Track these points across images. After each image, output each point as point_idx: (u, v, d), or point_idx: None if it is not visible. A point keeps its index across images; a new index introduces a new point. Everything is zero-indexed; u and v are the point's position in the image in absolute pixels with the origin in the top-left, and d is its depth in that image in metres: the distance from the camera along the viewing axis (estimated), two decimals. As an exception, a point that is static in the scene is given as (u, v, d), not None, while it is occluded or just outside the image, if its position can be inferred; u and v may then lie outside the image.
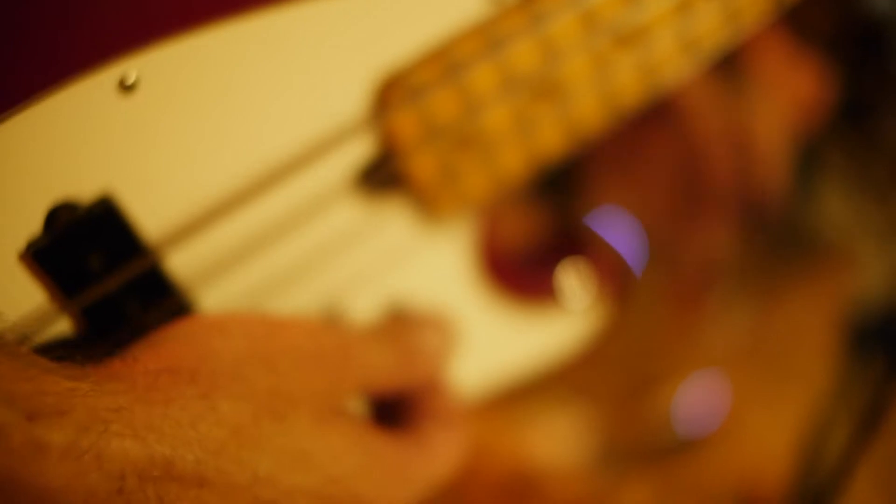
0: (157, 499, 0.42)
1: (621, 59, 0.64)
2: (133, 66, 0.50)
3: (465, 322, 0.68)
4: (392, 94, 0.57)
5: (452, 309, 0.68)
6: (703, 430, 1.54)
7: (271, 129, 0.55)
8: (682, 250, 1.63)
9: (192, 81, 0.52)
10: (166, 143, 0.52)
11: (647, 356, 1.60)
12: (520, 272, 0.74)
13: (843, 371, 1.39)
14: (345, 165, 0.59)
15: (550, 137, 0.64)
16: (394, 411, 0.59)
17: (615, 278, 0.77)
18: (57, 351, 0.46)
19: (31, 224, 0.50)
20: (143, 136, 0.52)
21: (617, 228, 1.54)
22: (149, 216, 0.53)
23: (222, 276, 0.57)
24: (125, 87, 0.50)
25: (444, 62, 0.58)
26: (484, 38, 0.59)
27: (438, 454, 0.57)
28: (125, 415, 0.42)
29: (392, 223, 0.62)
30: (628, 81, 0.65)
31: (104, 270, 0.52)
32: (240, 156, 0.55)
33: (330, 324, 0.56)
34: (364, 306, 0.65)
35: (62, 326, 0.53)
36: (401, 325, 0.59)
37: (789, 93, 1.49)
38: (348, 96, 0.57)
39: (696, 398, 1.54)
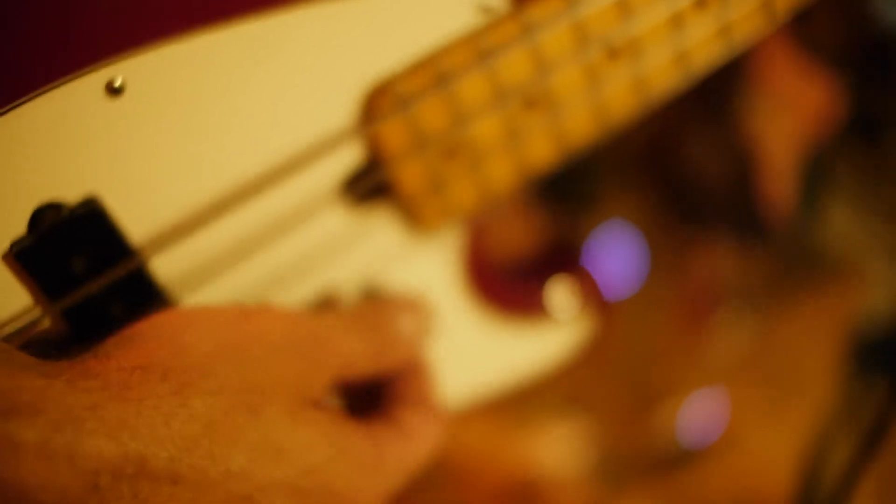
0: (131, 496, 0.43)
1: (613, 71, 0.63)
2: (121, 70, 0.50)
3: (452, 333, 0.68)
4: (379, 103, 0.58)
5: (439, 320, 0.68)
6: (705, 443, 1.53)
7: (258, 135, 0.55)
8: (688, 265, 1.63)
9: (180, 86, 0.52)
10: (153, 146, 0.53)
11: (652, 370, 1.59)
12: (508, 284, 0.74)
13: (847, 387, 1.38)
14: (331, 174, 0.59)
15: (540, 149, 0.64)
16: (371, 398, 0.59)
17: (603, 293, 0.76)
18: (34, 346, 0.47)
19: (15, 224, 0.50)
20: (130, 139, 0.52)
21: (620, 242, 1.54)
22: (134, 219, 0.54)
23: (207, 280, 0.57)
24: (112, 90, 0.50)
25: (432, 71, 0.58)
26: (474, 47, 0.59)
27: (416, 441, 0.56)
28: (99, 413, 0.42)
29: (378, 233, 0.62)
30: (619, 94, 0.65)
31: (88, 272, 0.53)
32: (226, 162, 0.55)
33: (303, 310, 0.55)
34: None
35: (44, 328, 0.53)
36: (376, 308, 0.58)
37: (800, 107, 1.48)
38: (336, 105, 0.57)
39: (700, 412, 1.54)
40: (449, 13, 0.59)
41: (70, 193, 0.51)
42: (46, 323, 0.52)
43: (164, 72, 0.52)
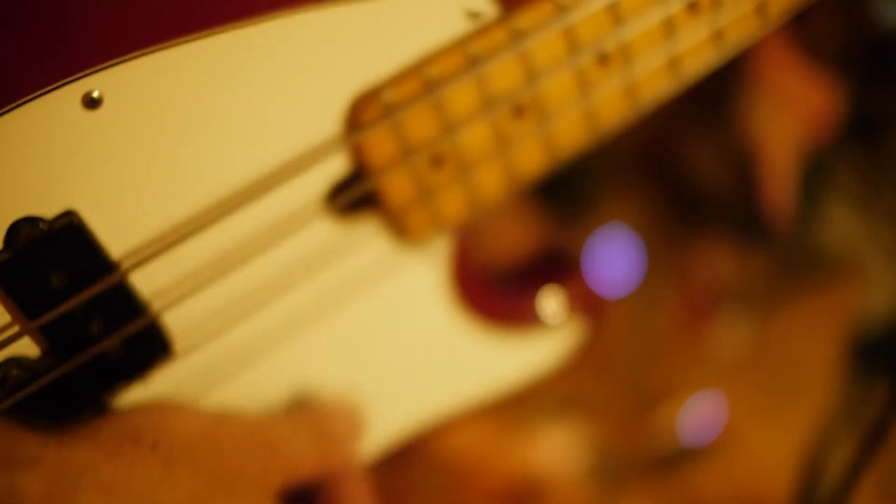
0: None
1: (603, 77, 0.62)
2: (98, 82, 0.49)
3: (441, 343, 0.67)
4: (365, 112, 0.56)
5: (426, 330, 0.66)
6: (704, 443, 1.52)
7: (241, 146, 0.54)
8: (688, 266, 1.61)
9: (160, 97, 0.51)
10: (133, 159, 0.51)
11: (651, 371, 1.58)
12: (497, 294, 0.72)
13: (847, 387, 1.37)
14: (316, 185, 0.57)
15: (530, 157, 0.63)
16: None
17: (597, 298, 0.75)
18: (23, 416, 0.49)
19: (-9, 239, 0.48)
20: (109, 151, 0.50)
21: (618, 243, 1.53)
22: (114, 233, 0.52)
23: (190, 295, 0.56)
24: (90, 103, 0.49)
25: (420, 79, 0.57)
26: (462, 55, 0.58)
27: None
28: (92, 472, 0.45)
29: (365, 244, 0.61)
30: (611, 100, 0.63)
31: (67, 288, 0.51)
32: (208, 173, 0.53)
33: (265, 416, 0.61)
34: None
35: (24, 346, 0.52)
36: (315, 414, 0.62)
37: (799, 108, 1.47)
38: (321, 114, 0.56)
39: (699, 412, 1.53)
40: (436, 20, 0.57)
41: (48, 207, 0.50)
42: (24, 340, 0.51)
43: (144, 83, 0.50)
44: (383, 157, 0.57)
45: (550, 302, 0.74)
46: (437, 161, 0.59)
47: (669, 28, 0.62)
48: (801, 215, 1.56)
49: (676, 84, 0.65)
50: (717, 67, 0.68)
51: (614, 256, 1.53)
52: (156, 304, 0.55)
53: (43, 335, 0.52)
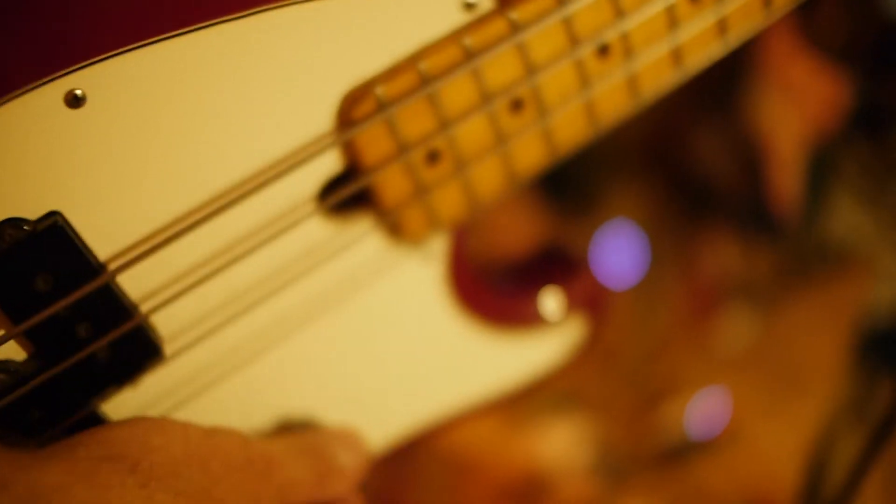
0: None
1: (604, 70, 0.60)
2: (82, 80, 0.47)
3: (440, 344, 0.65)
4: (357, 108, 0.54)
5: (424, 330, 0.64)
6: (709, 439, 1.50)
7: (230, 143, 0.52)
8: (694, 259, 1.60)
9: (145, 95, 0.49)
10: (118, 158, 0.49)
11: (656, 366, 1.56)
12: (496, 294, 0.70)
13: (854, 382, 1.35)
14: (309, 182, 0.55)
15: (529, 152, 0.61)
16: None
17: (597, 298, 0.73)
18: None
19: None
20: (94, 151, 0.48)
21: (623, 237, 1.51)
22: (101, 234, 0.50)
23: (180, 296, 0.54)
24: (73, 101, 0.47)
25: (414, 73, 0.55)
26: (458, 47, 0.55)
27: None
28: (64, 494, 0.42)
29: (359, 243, 0.59)
30: (611, 93, 0.61)
31: (53, 291, 0.49)
32: (196, 172, 0.51)
33: (260, 437, 0.58)
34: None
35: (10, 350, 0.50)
36: (320, 440, 0.59)
37: (806, 100, 1.45)
38: (313, 110, 0.54)
39: (703, 407, 1.51)
40: (432, 12, 0.55)
41: (32, 209, 0.48)
42: (10, 344, 0.49)
43: (128, 80, 0.48)
44: (377, 153, 0.55)
45: (551, 301, 0.72)
46: (433, 157, 0.57)
47: (671, 18, 0.60)
48: (807, 209, 1.54)
49: (679, 76, 0.63)
50: (721, 58, 0.66)
51: (618, 251, 1.51)
52: (144, 307, 0.53)
53: (29, 339, 0.50)
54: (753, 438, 1.50)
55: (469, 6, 0.55)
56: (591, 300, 0.73)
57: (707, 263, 1.61)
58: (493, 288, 0.69)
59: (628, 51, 0.60)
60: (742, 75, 1.46)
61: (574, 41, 0.58)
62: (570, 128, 0.61)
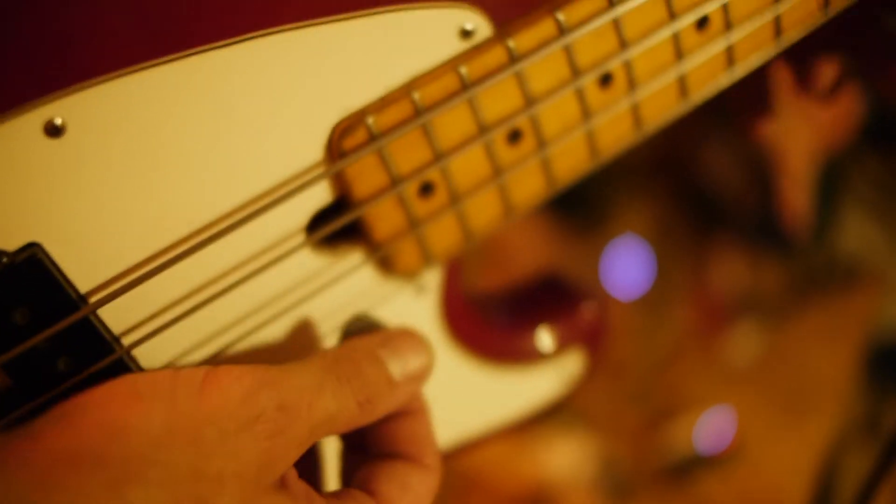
0: None
1: (607, 100, 0.57)
2: (61, 108, 0.45)
3: (434, 380, 0.62)
4: (347, 138, 0.51)
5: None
6: (715, 455, 1.48)
7: (216, 175, 0.50)
8: (703, 275, 1.57)
9: (127, 124, 0.46)
10: (99, 189, 0.47)
11: (664, 382, 1.54)
12: (491, 329, 0.67)
13: (864, 398, 1.32)
14: (297, 214, 0.53)
15: (527, 184, 0.58)
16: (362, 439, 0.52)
17: (595, 334, 0.70)
18: None
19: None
20: (74, 181, 0.46)
21: (630, 255, 1.49)
22: (81, 267, 0.48)
23: (162, 330, 0.51)
24: (52, 130, 0.45)
25: (408, 103, 0.52)
26: (454, 77, 0.53)
27: None
28: None
29: (350, 276, 0.56)
30: (614, 124, 0.58)
31: (31, 325, 0.47)
32: (180, 204, 0.49)
33: (266, 372, 0.45)
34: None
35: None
36: (354, 354, 0.49)
37: (817, 115, 1.43)
38: (301, 142, 0.51)
39: (711, 424, 1.49)
40: (427, 39, 0.52)
41: (9, 240, 0.46)
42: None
43: (110, 109, 0.46)
44: (368, 185, 0.53)
45: (547, 338, 0.69)
46: (427, 189, 0.55)
47: (677, 47, 0.57)
48: (817, 223, 1.51)
49: (684, 106, 0.60)
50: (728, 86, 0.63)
51: (626, 265, 1.49)
52: (126, 340, 0.50)
53: (6, 373, 0.48)
54: (760, 454, 1.48)
55: (466, 34, 0.53)
56: (588, 335, 0.70)
57: (715, 278, 1.59)
58: (488, 322, 0.67)
59: (632, 80, 0.57)
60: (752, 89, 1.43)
61: (575, 70, 0.55)
62: (569, 159, 0.58)
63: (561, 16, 0.53)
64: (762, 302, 1.57)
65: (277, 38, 0.48)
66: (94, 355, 0.50)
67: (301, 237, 0.53)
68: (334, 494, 0.48)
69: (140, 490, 0.39)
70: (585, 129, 0.57)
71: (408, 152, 0.53)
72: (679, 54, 0.57)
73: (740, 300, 1.57)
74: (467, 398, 0.67)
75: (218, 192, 0.50)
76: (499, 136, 0.55)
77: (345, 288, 0.56)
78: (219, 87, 0.48)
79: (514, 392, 0.68)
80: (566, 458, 1.46)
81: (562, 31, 0.53)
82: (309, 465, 0.55)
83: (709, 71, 0.60)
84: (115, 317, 0.50)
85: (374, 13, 0.49)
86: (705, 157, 1.51)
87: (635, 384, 1.51)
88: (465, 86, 0.53)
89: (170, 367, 0.51)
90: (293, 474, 0.46)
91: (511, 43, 0.53)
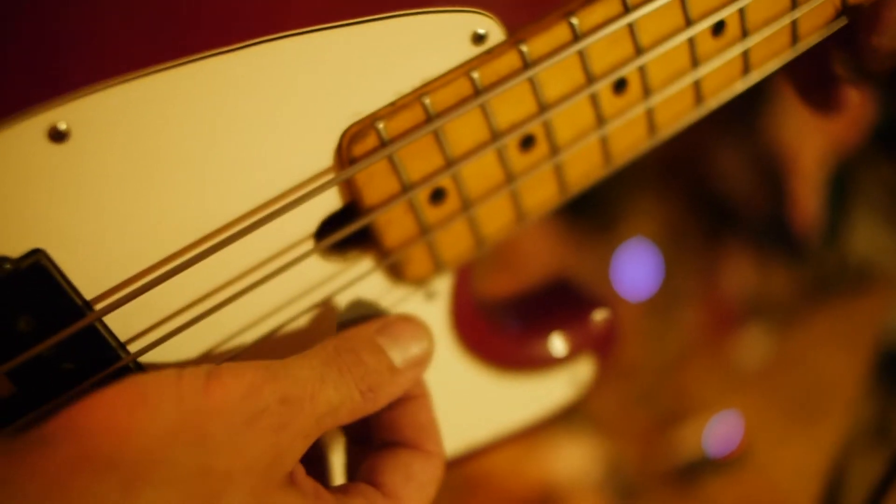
0: None
1: (621, 105, 0.55)
2: (65, 113, 0.43)
3: (444, 387, 0.61)
4: (359, 145, 0.50)
5: (428, 373, 0.60)
6: (723, 458, 1.47)
7: (224, 180, 0.48)
8: (713, 278, 1.56)
9: (133, 129, 0.45)
10: (106, 195, 0.46)
11: (672, 385, 1.53)
12: (502, 337, 0.66)
13: (874, 403, 1.31)
14: (306, 220, 0.52)
15: (539, 190, 0.57)
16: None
17: (606, 340, 0.68)
18: None
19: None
20: (78, 187, 0.45)
21: (641, 258, 1.47)
22: (86, 273, 0.47)
23: (169, 337, 0.50)
24: (56, 135, 0.43)
25: (420, 109, 0.51)
26: (467, 81, 0.51)
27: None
28: None
29: (359, 282, 0.55)
30: (628, 130, 0.57)
31: (36, 332, 0.46)
32: (187, 210, 0.48)
33: (269, 367, 0.45)
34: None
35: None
36: (353, 343, 0.49)
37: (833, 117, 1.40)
38: (311, 147, 0.50)
39: (718, 428, 1.47)
40: (439, 43, 0.51)
41: (13, 247, 0.44)
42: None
43: (115, 114, 0.45)
44: (378, 192, 0.52)
45: (557, 345, 0.68)
46: (438, 196, 0.53)
47: (693, 53, 0.55)
48: (828, 226, 1.49)
49: (699, 112, 0.58)
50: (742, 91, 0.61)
51: (636, 269, 1.48)
52: (133, 347, 0.49)
53: (10, 380, 0.46)
54: (768, 459, 1.46)
55: (479, 38, 0.51)
56: (600, 342, 0.69)
57: (725, 281, 1.57)
58: (498, 329, 0.65)
59: (647, 86, 0.55)
60: (764, 90, 1.42)
61: (590, 76, 0.53)
62: (583, 165, 0.57)
63: (575, 20, 0.52)
64: (771, 305, 1.56)
65: (286, 42, 0.47)
66: (99, 362, 0.48)
67: (310, 244, 0.52)
68: (341, 489, 0.48)
69: (152, 490, 0.39)
70: (599, 135, 0.56)
71: (419, 158, 0.52)
72: (695, 60, 0.56)
73: (749, 303, 1.56)
74: (477, 405, 0.65)
75: (225, 199, 0.49)
76: (511, 141, 0.54)
77: (353, 295, 0.55)
78: (226, 92, 0.47)
79: (524, 399, 0.67)
80: (573, 459, 1.45)
81: (576, 35, 0.52)
82: (315, 461, 0.54)
83: (724, 77, 0.59)
84: (121, 323, 0.49)
85: (386, 17, 0.48)
86: (716, 160, 1.50)
87: (643, 386, 1.50)
88: (478, 91, 0.51)
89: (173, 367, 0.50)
90: (301, 471, 0.46)
91: (524, 48, 0.51)
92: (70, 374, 0.48)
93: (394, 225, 0.53)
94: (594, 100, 0.54)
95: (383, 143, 0.50)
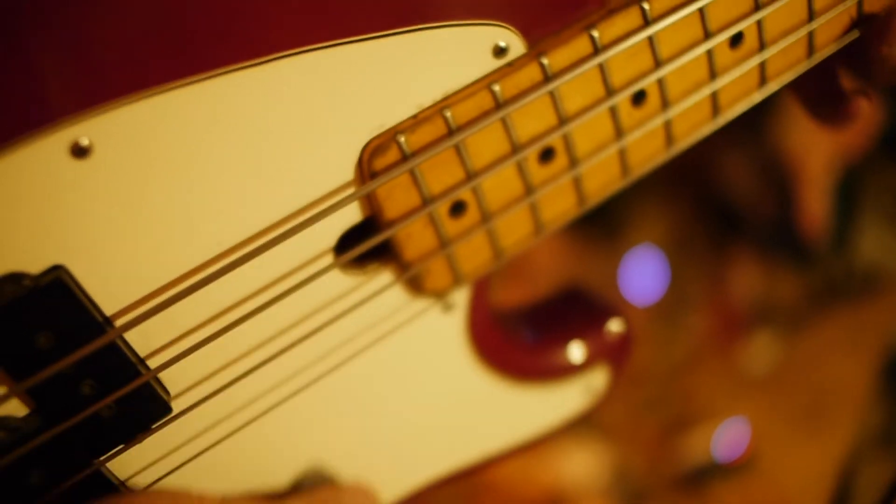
0: None
1: (640, 118, 0.55)
2: (87, 129, 0.43)
3: (461, 399, 0.60)
4: (380, 158, 0.49)
5: (446, 383, 0.60)
6: (731, 463, 1.46)
7: (245, 195, 0.48)
8: (721, 284, 1.55)
9: (154, 145, 0.45)
10: (126, 211, 0.45)
11: (679, 391, 1.52)
12: (517, 348, 0.65)
13: (881, 408, 1.30)
14: (327, 233, 0.51)
15: (558, 202, 0.56)
16: None
17: (620, 349, 0.68)
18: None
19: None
20: (100, 203, 0.44)
21: (649, 265, 1.47)
22: (107, 289, 0.46)
23: (189, 353, 0.50)
24: (78, 151, 0.43)
25: (441, 122, 0.50)
26: (488, 95, 0.51)
27: None
28: None
29: (378, 295, 0.54)
30: (646, 142, 0.56)
31: (56, 349, 0.45)
32: (208, 226, 0.47)
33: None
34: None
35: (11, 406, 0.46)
36: (331, 498, 0.56)
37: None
38: (332, 162, 0.49)
39: (726, 433, 1.46)
40: (460, 56, 0.50)
41: (33, 263, 0.44)
42: (10, 402, 0.45)
43: (137, 130, 0.44)
44: (399, 205, 0.51)
45: (572, 355, 0.67)
46: (458, 209, 0.53)
47: (711, 65, 0.55)
48: (835, 232, 1.49)
49: (716, 123, 0.58)
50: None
51: (644, 275, 1.47)
52: (153, 363, 0.49)
53: (30, 396, 0.46)
54: (776, 464, 1.46)
55: (500, 51, 0.51)
56: (614, 351, 0.68)
57: (733, 287, 1.57)
58: (514, 339, 0.65)
59: (665, 98, 0.55)
60: (772, 97, 1.41)
61: (609, 88, 0.53)
62: (601, 177, 0.56)
63: (595, 33, 0.51)
64: (779, 311, 1.55)
65: (308, 57, 0.47)
66: (120, 379, 0.48)
67: (330, 258, 0.51)
68: None
69: None
70: (618, 147, 0.55)
71: (440, 171, 0.51)
72: (713, 72, 0.55)
73: (757, 309, 1.55)
74: (493, 415, 0.65)
75: (246, 213, 0.48)
76: (531, 154, 0.53)
77: (372, 308, 0.54)
78: (247, 107, 0.46)
79: (539, 408, 0.67)
80: (581, 465, 1.45)
81: (596, 48, 0.52)
82: None
83: (741, 88, 0.58)
84: (141, 339, 0.48)
85: (407, 31, 0.48)
86: (723, 166, 1.49)
87: (651, 392, 1.49)
88: (499, 104, 0.51)
89: None
90: None
91: (545, 60, 0.51)
92: (90, 391, 0.47)
93: (414, 238, 0.52)
94: (613, 112, 0.54)
95: (405, 157, 0.50)
